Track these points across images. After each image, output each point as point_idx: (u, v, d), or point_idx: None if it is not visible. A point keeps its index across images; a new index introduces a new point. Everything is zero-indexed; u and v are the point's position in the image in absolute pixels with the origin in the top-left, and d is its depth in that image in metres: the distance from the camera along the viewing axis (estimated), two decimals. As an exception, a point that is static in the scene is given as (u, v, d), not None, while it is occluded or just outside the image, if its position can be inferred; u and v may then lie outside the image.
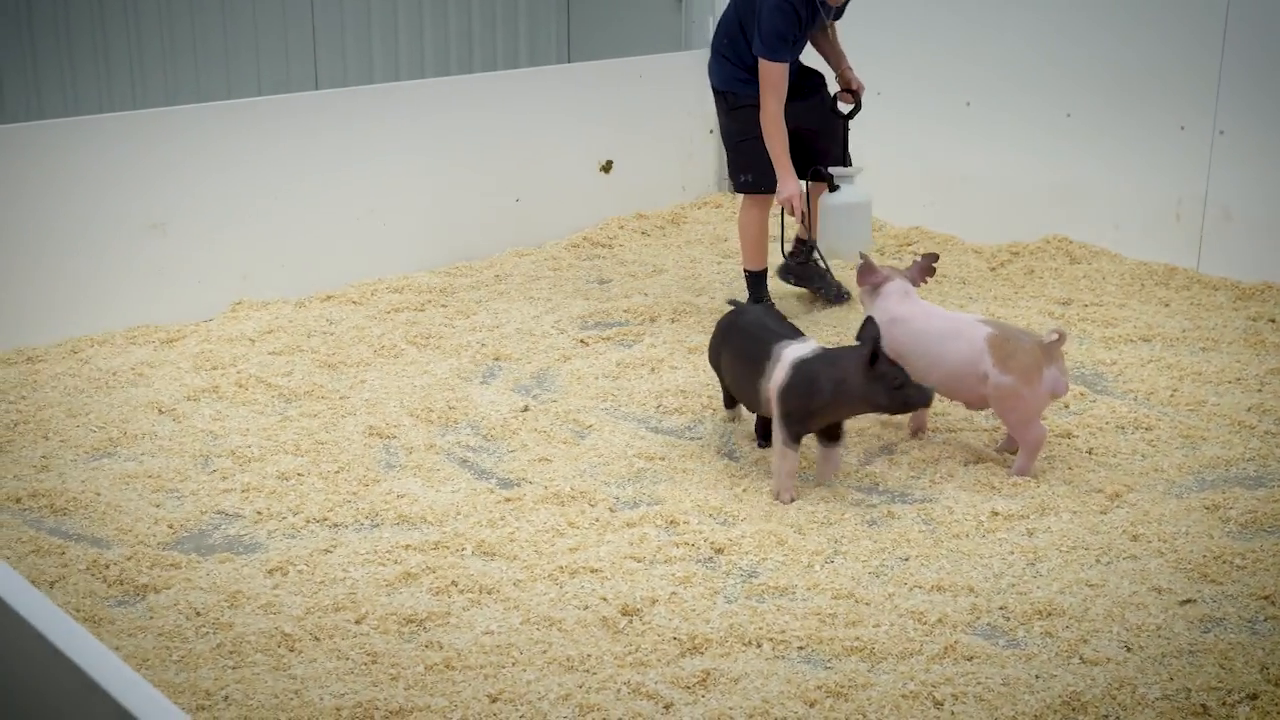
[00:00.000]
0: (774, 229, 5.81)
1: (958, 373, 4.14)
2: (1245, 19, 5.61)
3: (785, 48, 5.23)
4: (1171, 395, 4.75)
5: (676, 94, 7.35)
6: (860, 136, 6.73)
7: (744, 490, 4.08)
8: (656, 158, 7.24)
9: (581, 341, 5.38)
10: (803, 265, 5.85)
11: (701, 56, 7.37)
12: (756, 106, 5.28)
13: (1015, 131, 6.45)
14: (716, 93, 5.59)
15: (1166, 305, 5.68)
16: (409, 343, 5.35)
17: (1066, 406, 4.68)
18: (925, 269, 4.55)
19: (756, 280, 5.69)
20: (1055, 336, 4.02)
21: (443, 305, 5.82)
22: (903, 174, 6.86)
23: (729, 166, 5.69)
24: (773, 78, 5.22)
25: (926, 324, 4.27)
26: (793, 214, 5.42)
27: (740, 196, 5.73)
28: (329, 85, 7.77)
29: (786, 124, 5.28)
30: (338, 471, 4.21)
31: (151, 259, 5.49)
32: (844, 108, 5.67)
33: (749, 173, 5.51)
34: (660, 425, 4.62)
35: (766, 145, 5.28)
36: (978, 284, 6.07)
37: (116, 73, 7.20)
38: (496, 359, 5.22)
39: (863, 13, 6.86)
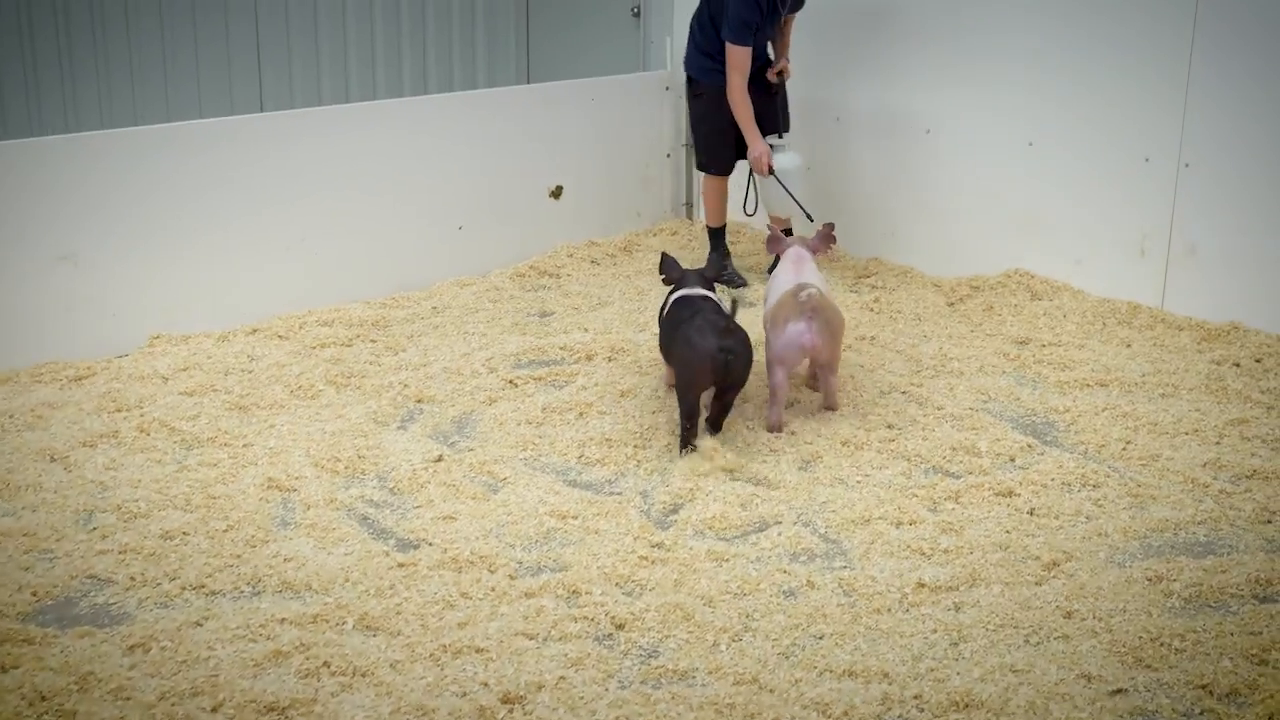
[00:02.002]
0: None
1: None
2: (1211, 49, 5.35)
3: (749, 34, 5.97)
4: (1124, 449, 4.48)
5: (631, 117, 7.10)
6: (818, 163, 6.50)
7: (657, 555, 3.82)
8: (609, 183, 6.99)
9: (510, 382, 5.12)
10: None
11: (658, 78, 7.16)
12: (715, 94, 6.13)
13: (976, 160, 6.19)
14: (688, 77, 6.44)
15: (1128, 346, 5.41)
16: (329, 383, 5.09)
17: (1013, 460, 4.42)
18: (826, 237, 5.05)
19: (716, 235, 6.55)
20: (810, 293, 4.55)
21: (371, 341, 5.56)
22: (861, 203, 6.61)
23: (694, 148, 6.64)
24: (736, 59, 6.00)
25: (777, 281, 4.87)
26: (761, 171, 6.08)
27: None
28: (274, 109, 7.52)
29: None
30: (226, 530, 3.95)
31: (61, 292, 5.24)
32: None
33: (703, 155, 6.48)
34: (579, 478, 4.36)
35: (735, 115, 6.06)
36: (933, 320, 5.81)
37: (48, 97, 6.94)
38: (418, 401, 4.96)
39: (822, 36, 6.61)
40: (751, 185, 6.31)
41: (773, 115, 6.27)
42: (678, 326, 4.53)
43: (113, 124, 6.69)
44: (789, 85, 6.39)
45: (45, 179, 5.15)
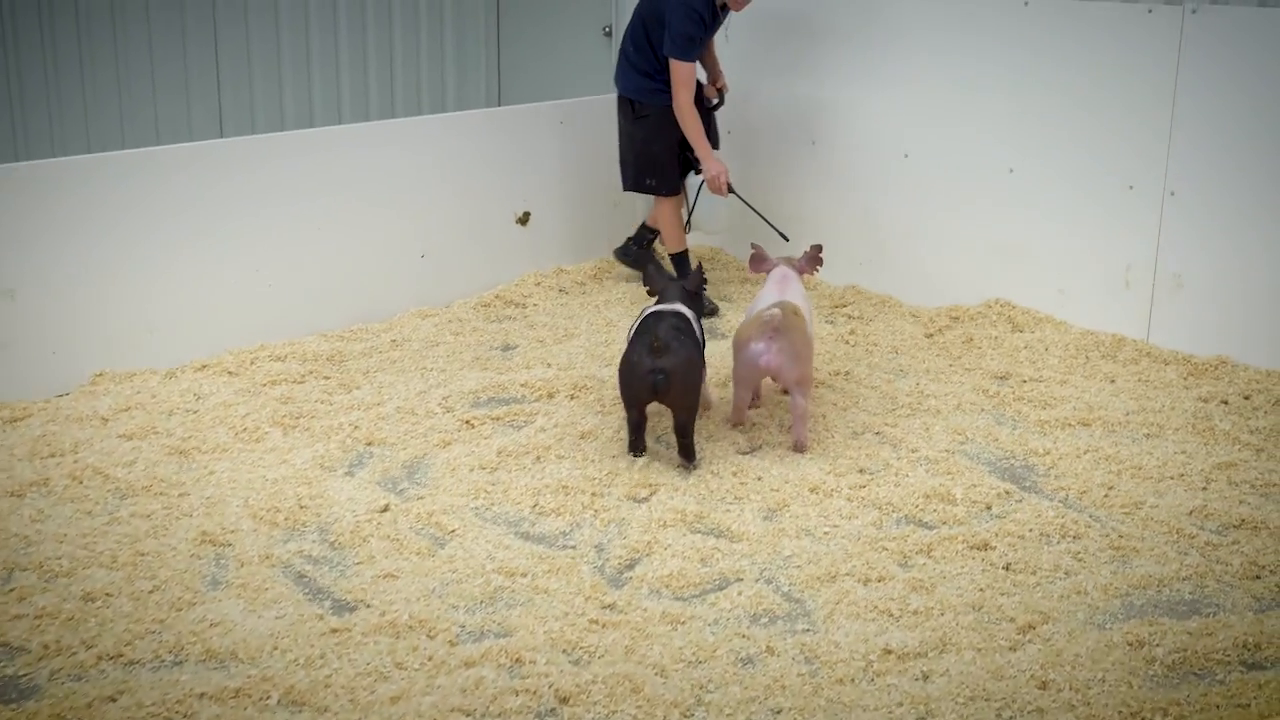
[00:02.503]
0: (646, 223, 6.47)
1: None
2: (1198, 72, 5.14)
3: (694, 48, 5.81)
4: (1106, 495, 4.26)
5: (602, 140, 6.87)
6: (794, 188, 6.30)
7: (608, 618, 3.59)
8: (579, 209, 6.77)
9: (467, 423, 4.89)
10: (641, 250, 6.48)
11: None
12: (661, 113, 5.96)
13: (956, 186, 5.98)
14: (622, 99, 6.13)
15: (1112, 381, 5.20)
16: (276, 424, 4.86)
17: (989, 509, 4.20)
18: (814, 259, 4.97)
19: (682, 260, 6.27)
20: (774, 313, 4.46)
21: (325, 377, 5.34)
22: (838, 229, 6.39)
23: (628, 170, 6.22)
24: (684, 75, 5.81)
25: (759, 300, 4.79)
26: (720, 191, 5.91)
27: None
28: (235, 134, 7.30)
29: None
30: (152, 591, 3.72)
31: (-2, 329, 5.02)
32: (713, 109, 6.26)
33: (653, 177, 6.14)
34: (532, 530, 4.13)
35: (686, 132, 5.89)
36: (911, 354, 5.59)
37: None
38: (369, 444, 4.74)
39: (797, 58, 6.41)
40: (693, 203, 6.24)
41: (713, 132, 6.20)
42: (630, 341, 4.50)
43: (66, 151, 6.46)
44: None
45: (-20, 211, 4.94)
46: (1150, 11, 5.22)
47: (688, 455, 4.49)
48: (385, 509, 4.22)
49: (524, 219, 6.54)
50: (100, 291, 5.24)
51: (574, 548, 4.01)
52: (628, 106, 6.09)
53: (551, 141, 6.65)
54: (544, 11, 7.94)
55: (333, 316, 5.87)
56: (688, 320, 4.59)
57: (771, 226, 5.90)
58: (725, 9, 5.89)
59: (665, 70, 5.87)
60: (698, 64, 6.04)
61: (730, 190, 5.92)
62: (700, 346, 4.59)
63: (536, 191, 6.60)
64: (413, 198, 6.10)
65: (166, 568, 3.85)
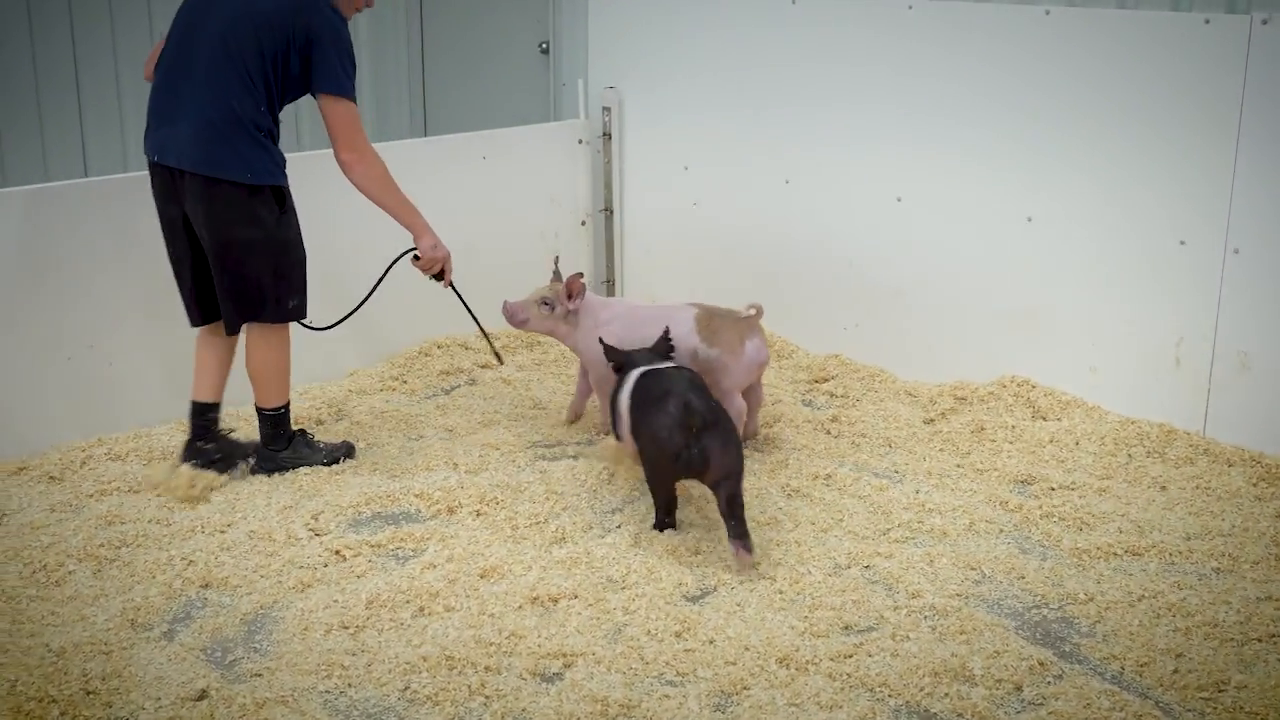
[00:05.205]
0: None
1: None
2: (1269, 96, 4.07)
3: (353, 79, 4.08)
4: (1175, 670, 3.17)
5: (538, 176, 5.78)
6: (763, 236, 5.27)
7: None
8: (510, 257, 5.62)
9: (337, 553, 3.78)
10: (226, 442, 4.34)
11: (570, 129, 5.86)
12: (283, 193, 4.09)
13: (961, 237, 4.89)
14: (222, 187, 3.94)
15: (1163, 489, 4.12)
16: (87, 556, 3.75)
17: (1019, 691, 3.10)
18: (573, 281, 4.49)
19: (279, 419, 4.32)
20: (752, 311, 4.33)
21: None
22: (819, 286, 5.30)
23: (252, 295, 4.08)
24: (358, 118, 4.09)
25: (636, 314, 4.49)
26: (448, 272, 4.39)
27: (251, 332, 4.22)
28: (99, 173, 6.17)
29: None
30: None
31: None
32: None
33: (299, 292, 4.20)
34: (398, 729, 3.02)
35: (389, 200, 4.17)
36: (908, 447, 4.50)
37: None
38: (204, 587, 3.62)
39: (772, 95, 5.34)
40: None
41: None
42: (647, 407, 3.80)
43: None
44: None
45: None
46: (1208, 22, 4.16)
47: (745, 542, 3.62)
48: (202, 696, 3.11)
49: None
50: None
51: (451, 762, 2.90)
52: (236, 198, 3.96)
53: (476, 178, 5.56)
54: (473, 28, 6.84)
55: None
56: (697, 375, 3.99)
57: (488, 340, 4.73)
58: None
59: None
60: None
61: (444, 280, 4.42)
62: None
63: (458, 236, 5.46)
64: (312, 247, 4.93)
65: None
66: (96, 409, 4.55)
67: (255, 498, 4.13)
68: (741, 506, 3.64)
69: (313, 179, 4.56)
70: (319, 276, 4.43)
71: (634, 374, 3.98)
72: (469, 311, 4.58)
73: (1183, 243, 4.32)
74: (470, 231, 5.47)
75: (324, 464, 4.34)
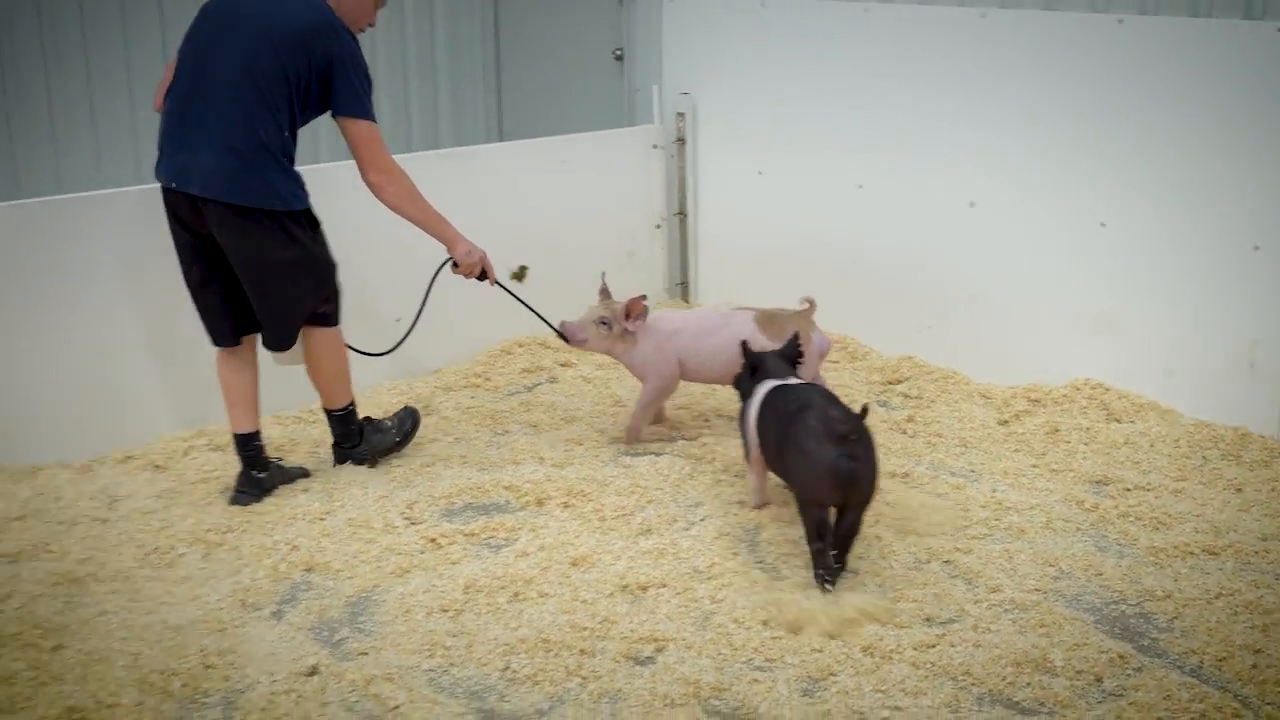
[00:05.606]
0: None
1: (739, 354, 4.22)
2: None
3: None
4: (1254, 665, 3.24)
5: (613, 181, 5.93)
6: (836, 239, 5.37)
7: None
8: (585, 261, 5.75)
9: (432, 541, 3.93)
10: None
11: (644, 134, 6.00)
12: (308, 215, 4.11)
13: (1035, 241, 4.97)
14: (256, 216, 3.94)
15: (1238, 491, 4.19)
16: (197, 539, 3.93)
17: (1099, 683, 3.18)
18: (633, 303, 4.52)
19: (346, 418, 4.43)
20: (806, 305, 4.55)
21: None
22: (891, 290, 5.40)
23: (300, 312, 4.14)
24: (380, 136, 4.11)
25: (700, 324, 4.59)
26: (490, 274, 4.40)
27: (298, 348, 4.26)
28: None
29: None
30: (-21, 807, 2.77)
31: None
32: None
33: (333, 298, 4.25)
34: (501, 705, 3.15)
35: (419, 214, 4.19)
36: (983, 447, 4.59)
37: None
38: (308, 570, 3.78)
39: (845, 102, 5.45)
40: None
41: None
42: (788, 426, 3.66)
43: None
44: None
45: None
46: (1282, 31, 4.23)
47: (843, 561, 3.65)
48: (313, 672, 3.26)
49: (520, 274, 5.56)
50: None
51: (553, 736, 3.04)
52: (271, 224, 3.97)
53: (552, 183, 5.71)
54: (548, 36, 6.98)
55: (291, 393, 4.88)
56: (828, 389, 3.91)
57: (547, 323, 4.63)
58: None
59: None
60: None
61: (489, 279, 4.44)
62: None
63: (534, 242, 5.63)
64: (386, 252, 5.11)
65: (9, 767, 2.90)
66: (196, 402, 4.73)
67: (352, 488, 4.29)
68: (855, 537, 3.65)
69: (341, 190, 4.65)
70: (350, 287, 4.48)
71: (761, 391, 3.92)
72: (521, 302, 4.61)
73: (1257, 248, 4.39)
74: (546, 234, 5.64)
75: (398, 441, 4.49)
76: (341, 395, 4.37)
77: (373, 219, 4.41)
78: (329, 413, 4.40)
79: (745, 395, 4.05)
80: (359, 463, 4.45)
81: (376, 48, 6.75)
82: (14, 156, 6.09)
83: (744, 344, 4.18)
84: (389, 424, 4.53)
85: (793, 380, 3.96)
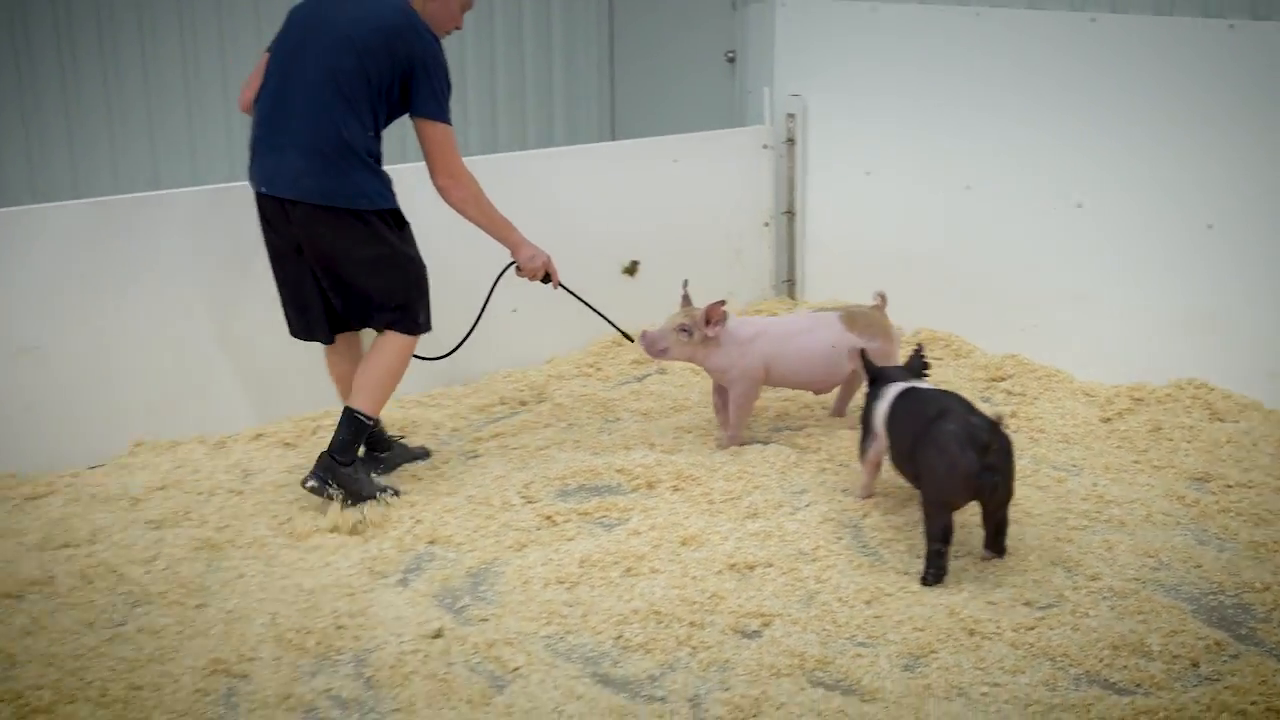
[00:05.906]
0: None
1: (831, 355, 4.55)
2: None
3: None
4: (1352, 656, 3.30)
5: (723, 180, 6.09)
6: (940, 239, 5.44)
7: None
8: (696, 258, 5.93)
9: (549, 519, 4.12)
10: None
11: (754, 134, 6.15)
12: (397, 214, 4.16)
13: (1139, 242, 5.03)
14: (343, 216, 4.00)
15: (1342, 491, 4.21)
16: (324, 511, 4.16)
17: (1195, 668, 3.26)
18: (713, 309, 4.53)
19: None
20: (879, 300, 4.70)
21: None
22: (997, 288, 5.48)
23: (389, 305, 4.16)
24: (454, 141, 4.14)
25: (785, 327, 4.66)
26: (555, 277, 4.44)
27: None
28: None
29: None
30: (136, 743, 3.01)
31: (21, 391, 4.40)
32: None
33: (425, 307, 4.28)
34: (614, 670, 3.33)
35: (485, 219, 4.24)
36: (1085, 443, 4.66)
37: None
38: (431, 543, 4.00)
39: (953, 105, 5.55)
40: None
41: None
42: (924, 427, 3.70)
43: (91, 191, 5.83)
44: None
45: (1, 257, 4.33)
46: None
47: (1001, 550, 3.80)
48: (438, 634, 3.46)
49: (631, 269, 5.76)
50: (141, 346, 4.62)
51: (663, 700, 3.20)
52: (358, 224, 4.03)
53: (664, 181, 5.88)
54: (661, 38, 7.15)
55: (409, 378, 5.11)
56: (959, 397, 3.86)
57: (614, 325, 4.71)
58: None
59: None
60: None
61: (553, 282, 4.48)
62: None
63: (646, 238, 5.81)
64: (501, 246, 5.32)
65: (163, 709, 3.13)
66: (326, 383, 4.96)
67: (471, 468, 4.50)
68: (1006, 525, 3.78)
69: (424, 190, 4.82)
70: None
71: (890, 392, 3.96)
72: (587, 305, 4.62)
73: (1368, 250, 4.41)
74: (656, 231, 5.81)
75: (367, 498, 4.13)
76: (379, 403, 4.22)
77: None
78: (350, 412, 4.17)
79: (871, 396, 4.11)
80: (319, 494, 4.10)
81: (496, 47, 6.99)
82: (73, 155, 6.23)
83: (862, 353, 4.20)
84: (379, 484, 4.27)
85: (923, 384, 4.02)
